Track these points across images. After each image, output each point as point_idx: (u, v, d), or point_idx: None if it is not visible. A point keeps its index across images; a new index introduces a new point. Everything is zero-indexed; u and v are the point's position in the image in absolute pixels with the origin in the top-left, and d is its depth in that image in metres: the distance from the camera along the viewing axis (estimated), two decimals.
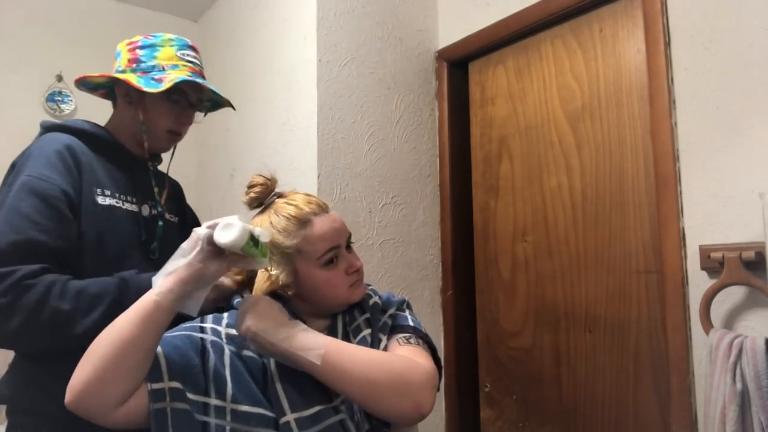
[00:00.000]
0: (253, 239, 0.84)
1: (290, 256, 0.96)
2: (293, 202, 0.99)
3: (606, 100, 1.61)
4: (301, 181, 1.82)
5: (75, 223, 1.08)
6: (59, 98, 2.39)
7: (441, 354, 1.98)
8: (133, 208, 1.21)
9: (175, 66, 1.23)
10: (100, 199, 1.14)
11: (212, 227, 0.82)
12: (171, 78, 1.18)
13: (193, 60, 1.27)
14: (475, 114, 2.03)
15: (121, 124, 1.28)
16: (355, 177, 1.84)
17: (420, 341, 0.98)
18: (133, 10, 2.63)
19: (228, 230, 0.81)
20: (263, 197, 1.02)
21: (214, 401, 0.86)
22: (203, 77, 1.29)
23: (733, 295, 1.27)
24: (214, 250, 0.83)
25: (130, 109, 1.27)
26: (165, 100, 1.23)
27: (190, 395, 0.84)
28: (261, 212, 1.02)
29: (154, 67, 1.22)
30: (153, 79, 1.19)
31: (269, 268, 0.96)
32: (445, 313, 2.01)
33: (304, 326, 0.90)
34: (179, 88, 1.21)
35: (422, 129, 2.05)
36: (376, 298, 1.04)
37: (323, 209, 1.00)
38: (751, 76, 1.26)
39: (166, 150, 1.33)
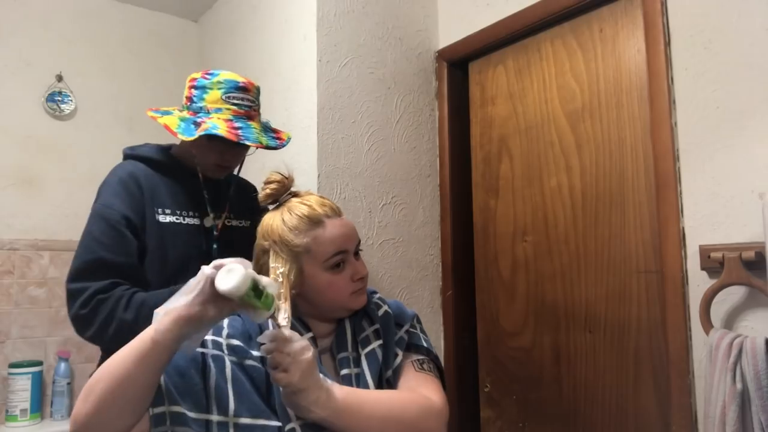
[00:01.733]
0: (257, 289, 0.79)
1: (298, 255, 0.96)
2: (307, 202, 0.99)
3: (606, 100, 1.61)
4: (301, 181, 1.81)
5: (134, 241, 1.26)
6: (59, 98, 2.39)
7: (441, 354, 1.98)
8: (195, 221, 1.36)
9: (219, 110, 1.30)
10: (161, 218, 1.31)
11: (218, 267, 0.78)
12: (204, 126, 1.25)
13: (239, 102, 1.31)
14: (475, 114, 2.03)
15: (184, 149, 1.40)
16: (355, 177, 1.84)
17: (432, 366, 1.01)
18: (133, 10, 2.63)
19: (229, 276, 0.75)
20: (278, 195, 1.03)
21: (216, 417, 0.86)
22: (249, 117, 1.32)
23: (733, 295, 1.27)
24: (215, 293, 0.77)
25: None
26: (207, 140, 1.30)
27: (191, 414, 0.84)
28: (275, 209, 1.03)
29: (201, 108, 1.31)
30: (194, 122, 1.28)
31: (276, 319, 0.88)
32: (445, 313, 2.01)
33: (329, 383, 0.88)
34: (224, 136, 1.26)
35: (422, 129, 2.05)
36: (386, 307, 1.04)
37: (336, 213, 1.01)
38: (751, 76, 1.26)
39: (219, 177, 1.42)
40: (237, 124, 1.29)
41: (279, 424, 0.87)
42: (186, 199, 1.37)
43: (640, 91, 1.52)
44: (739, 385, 1.14)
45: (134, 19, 2.63)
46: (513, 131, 1.88)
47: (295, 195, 1.03)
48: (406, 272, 1.94)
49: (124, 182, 1.31)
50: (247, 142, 1.28)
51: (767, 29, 1.24)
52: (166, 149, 1.43)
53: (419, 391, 0.96)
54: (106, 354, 1.29)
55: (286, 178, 1.03)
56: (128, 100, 2.56)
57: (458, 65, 2.09)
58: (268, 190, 1.02)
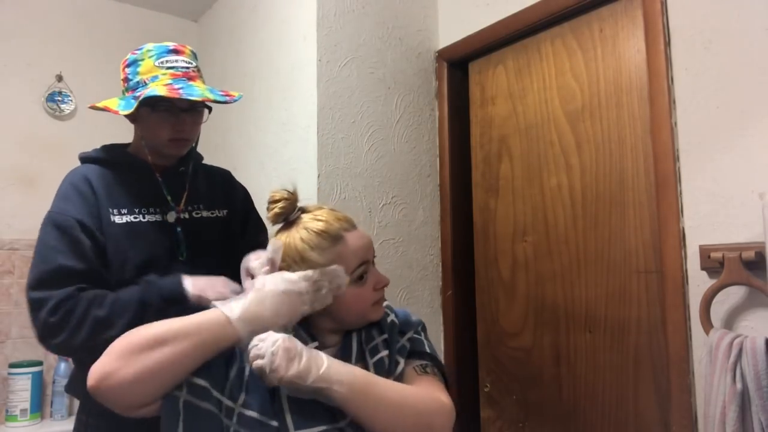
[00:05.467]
0: None
1: None
2: (322, 218, 0.97)
3: (606, 100, 1.61)
4: (301, 181, 1.82)
5: (91, 246, 1.19)
6: (59, 98, 2.39)
7: (441, 354, 1.98)
8: (156, 218, 1.28)
9: (155, 77, 1.22)
10: (116, 219, 1.23)
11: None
12: (143, 95, 1.17)
13: (174, 65, 1.24)
14: (475, 114, 2.03)
15: (137, 141, 1.33)
16: (355, 177, 1.84)
17: (436, 370, 1.00)
18: (133, 10, 2.64)
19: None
20: (288, 212, 0.99)
21: (226, 401, 0.86)
22: (189, 78, 1.24)
23: (733, 295, 1.27)
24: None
25: (135, 127, 1.32)
26: (152, 113, 1.24)
27: (213, 391, 0.85)
28: (285, 228, 0.99)
29: (138, 83, 1.23)
30: (134, 97, 1.20)
31: None
32: (445, 313, 2.01)
33: (330, 357, 0.87)
34: (164, 97, 1.19)
35: (422, 129, 2.05)
36: (392, 317, 1.03)
37: (352, 225, 0.99)
38: (751, 76, 1.26)
39: (179, 155, 1.33)
40: (177, 86, 1.20)
41: (278, 425, 0.86)
42: (144, 196, 1.28)
43: (640, 91, 1.52)
44: (739, 385, 1.14)
45: (134, 19, 2.63)
46: (513, 131, 1.88)
47: (304, 210, 1.00)
48: (406, 272, 1.94)
49: (75, 185, 1.24)
50: (191, 98, 1.18)
51: (767, 29, 1.24)
52: (120, 147, 1.36)
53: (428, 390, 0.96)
54: (78, 364, 1.27)
55: (292, 193, 1.00)
56: None
57: (458, 65, 2.09)
58: (276, 210, 0.98)
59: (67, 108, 2.40)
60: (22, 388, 2.09)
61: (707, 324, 1.26)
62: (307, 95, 1.83)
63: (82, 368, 1.26)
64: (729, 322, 1.28)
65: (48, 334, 1.12)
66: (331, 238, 0.95)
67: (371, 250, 1.00)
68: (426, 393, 0.93)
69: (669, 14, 1.42)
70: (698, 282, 1.33)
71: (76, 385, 1.28)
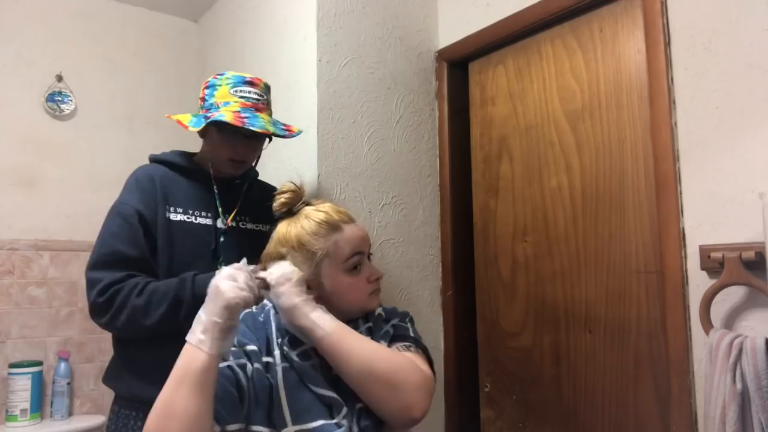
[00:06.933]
0: None
1: (318, 259, 1.00)
2: (324, 209, 1.04)
3: (606, 100, 1.61)
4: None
5: (145, 234, 1.32)
6: (59, 98, 2.39)
7: (441, 354, 1.98)
8: (207, 221, 1.42)
9: (227, 103, 1.37)
10: (171, 216, 1.37)
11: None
12: (212, 117, 1.33)
13: (246, 95, 1.39)
14: (475, 114, 2.03)
15: (203, 152, 1.49)
16: (355, 177, 1.84)
17: (419, 351, 1.01)
18: (133, 10, 2.64)
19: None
20: (293, 204, 1.07)
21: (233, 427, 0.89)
22: (257, 109, 1.39)
23: (733, 295, 1.27)
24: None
25: (203, 141, 1.48)
26: (217, 134, 1.39)
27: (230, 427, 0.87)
28: (289, 218, 1.06)
29: (212, 105, 1.39)
30: (205, 117, 1.37)
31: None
32: (445, 313, 2.01)
33: (324, 307, 0.95)
34: (229, 123, 1.32)
35: (422, 129, 2.05)
36: (380, 310, 1.08)
37: (351, 219, 1.06)
38: (751, 76, 1.26)
39: (236, 174, 1.48)
40: (244, 115, 1.34)
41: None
42: (201, 200, 1.43)
43: (640, 91, 1.52)
44: (739, 385, 1.14)
45: (134, 19, 2.64)
46: (513, 131, 1.88)
47: (308, 204, 1.07)
48: (406, 272, 1.94)
49: (139, 180, 1.39)
50: (253, 128, 1.32)
51: (767, 29, 1.24)
52: (188, 155, 1.50)
53: None
54: (119, 351, 1.40)
55: (299, 188, 1.08)
56: (128, 100, 2.57)
57: (458, 65, 2.09)
58: (282, 199, 1.06)
59: (67, 108, 2.40)
60: (22, 388, 2.10)
61: (707, 324, 1.26)
62: (307, 95, 1.83)
63: (120, 361, 1.38)
64: (729, 322, 1.28)
65: (95, 313, 1.28)
66: (329, 226, 1.01)
67: (367, 244, 1.05)
68: (403, 356, 0.96)
69: (669, 14, 1.42)
70: (698, 282, 1.33)
71: (113, 376, 1.38)
